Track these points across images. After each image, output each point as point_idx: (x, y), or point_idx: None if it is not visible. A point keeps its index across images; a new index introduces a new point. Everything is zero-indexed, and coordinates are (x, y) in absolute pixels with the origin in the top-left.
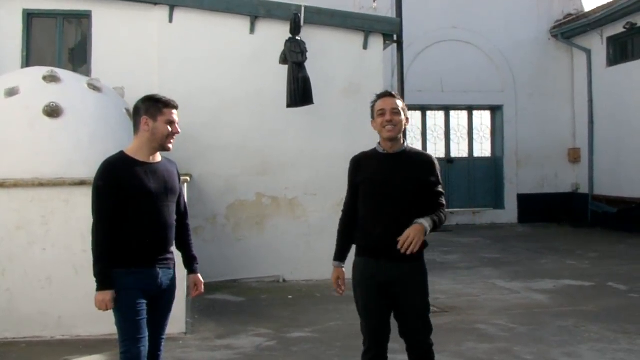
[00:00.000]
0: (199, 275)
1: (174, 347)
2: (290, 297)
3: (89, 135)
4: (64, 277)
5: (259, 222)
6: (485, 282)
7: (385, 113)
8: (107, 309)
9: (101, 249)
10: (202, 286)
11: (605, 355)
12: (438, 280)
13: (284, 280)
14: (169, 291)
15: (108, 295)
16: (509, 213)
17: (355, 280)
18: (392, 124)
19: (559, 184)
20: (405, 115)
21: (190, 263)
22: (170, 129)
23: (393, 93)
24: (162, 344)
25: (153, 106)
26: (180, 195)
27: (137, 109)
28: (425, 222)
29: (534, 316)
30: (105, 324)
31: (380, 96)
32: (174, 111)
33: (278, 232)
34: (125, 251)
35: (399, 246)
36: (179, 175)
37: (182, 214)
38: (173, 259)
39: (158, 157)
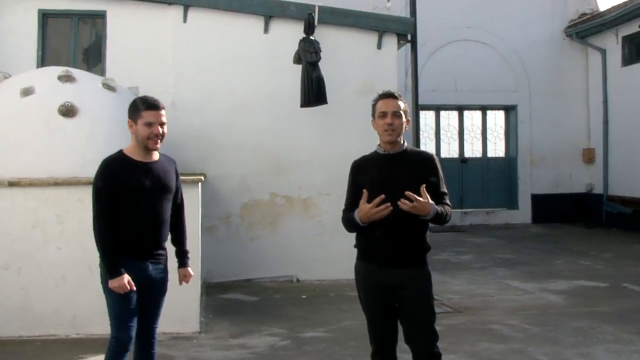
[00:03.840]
0: (189, 268)
1: (188, 346)
2: (304, 296)
3: (104, 134)
4: (79, 276)
5: (272, 221)
6: (499, 282)
7: (386, 115)
8: (128, 290)
9: (106, 242)
10: (190, 279)
11: (621, 356)
12: (452, 280)
13: (298, 280)
14: (160, 283)
15: (122, 280)
16: (523, 213)
17: (358, 284)
18: (392, 128)
19: (573, 184)
20: (406, 117)
21: (182, 257)
22: (150, 131)
23: (395, 94)
24: (155, 332)
25: (134, 109)
26: (178, 192)
27: (128, 112)
28: (434, 205)
29: (548, 317)
30: None
31: (383, 96)
32: (156, 112)
33: (292, 231)
34: (119, 244)
35: (405, 196)
36: (177, 173)
37: (178, 209)
38: (165, 255)
39: (155, 155)
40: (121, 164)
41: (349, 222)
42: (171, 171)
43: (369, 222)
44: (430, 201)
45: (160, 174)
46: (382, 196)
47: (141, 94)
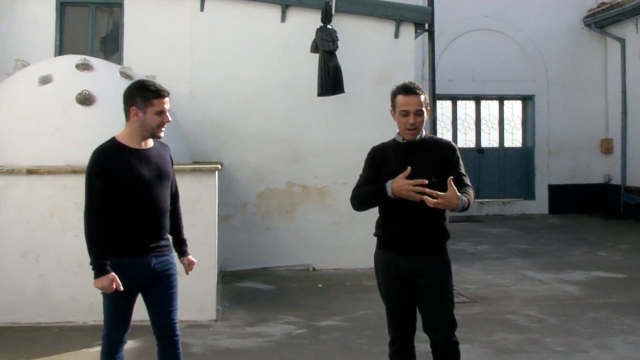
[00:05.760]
0: (190, 256)
1: (204, 334)
2: (319, 285)
3: (121, 122)
4: None
5: (289, 210)
6: (515, 272)
7: (408, 114)
8: (114, 290)
9: (95, 237)
10: (194, 265)
11: (638, 347)
12: (468, 270)
13: (314, 269)
14: (167, 276)
15: (107, 280)
16: (540, 204)
17: (377, 272)
18: (414, 127)
19: (590, 175)
20: (427, 109)
21: (181, 246)
22: (160, 119)
23: (416, 88)
24: (176, 328)
25: (142, 97)
26: (173, 179)
27: (126, 97)
28: (462, 198)
29: (565, 307)
30: (137, 311)
31: (403, 91)
32: (165, 99)
33: (308, 220)
34: (119, 240)
35: (427, 194)
36: (172, 159)
37: (174, 197)
38: (168, 245)
39: (150, 142)
40: (116, 153)
41: (369, 193)
42: (167, 157)
43: (397, 196)
44: (457, 193)
45: (157, 161)
46: (409, 169)
47: (158, 83)
